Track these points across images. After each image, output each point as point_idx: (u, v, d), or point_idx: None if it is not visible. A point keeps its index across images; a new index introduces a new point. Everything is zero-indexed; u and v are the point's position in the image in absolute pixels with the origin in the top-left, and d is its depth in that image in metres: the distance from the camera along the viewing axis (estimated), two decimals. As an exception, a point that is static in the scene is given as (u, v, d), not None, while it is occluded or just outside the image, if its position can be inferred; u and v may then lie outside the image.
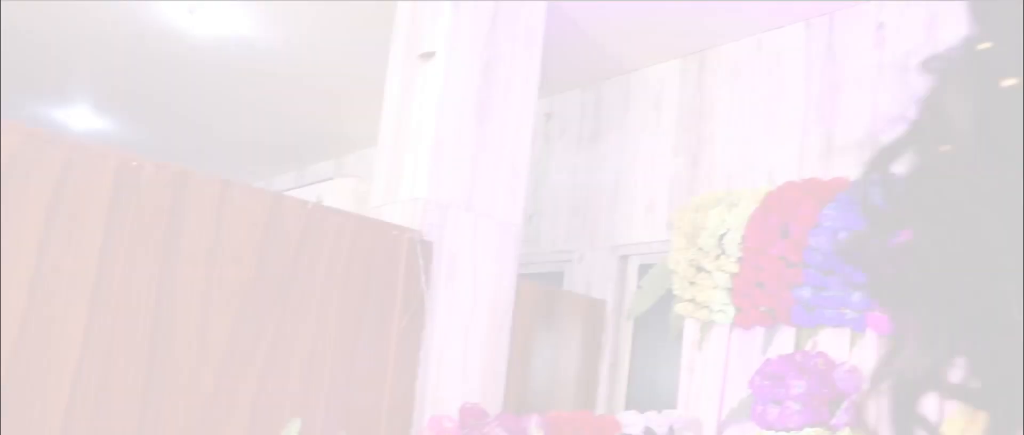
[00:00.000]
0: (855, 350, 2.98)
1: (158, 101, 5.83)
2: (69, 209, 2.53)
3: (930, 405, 0.59)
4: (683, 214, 3.67)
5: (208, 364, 2.78)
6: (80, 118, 6.33)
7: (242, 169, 7.31)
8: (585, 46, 4.23)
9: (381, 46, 3.92)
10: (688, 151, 4.11)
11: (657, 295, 3.92)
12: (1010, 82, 0.52)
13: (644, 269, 4.20)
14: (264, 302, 2.92)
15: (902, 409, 0.57)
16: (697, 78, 4.16)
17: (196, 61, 5.01)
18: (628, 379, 4.26)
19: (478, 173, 3.54)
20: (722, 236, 3.44)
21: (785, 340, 3.19)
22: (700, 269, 3.54)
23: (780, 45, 3.81)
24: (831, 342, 3.02)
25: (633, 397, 4.22)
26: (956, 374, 0.59)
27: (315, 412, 3.02)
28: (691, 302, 3.60)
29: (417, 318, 3.28)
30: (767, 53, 3.86)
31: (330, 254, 3.08)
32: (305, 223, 3.03)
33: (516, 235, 3.65)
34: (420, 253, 3.27)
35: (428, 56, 3.49)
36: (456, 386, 3.40)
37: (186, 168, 2.79)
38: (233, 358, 2.83)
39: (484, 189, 3.55)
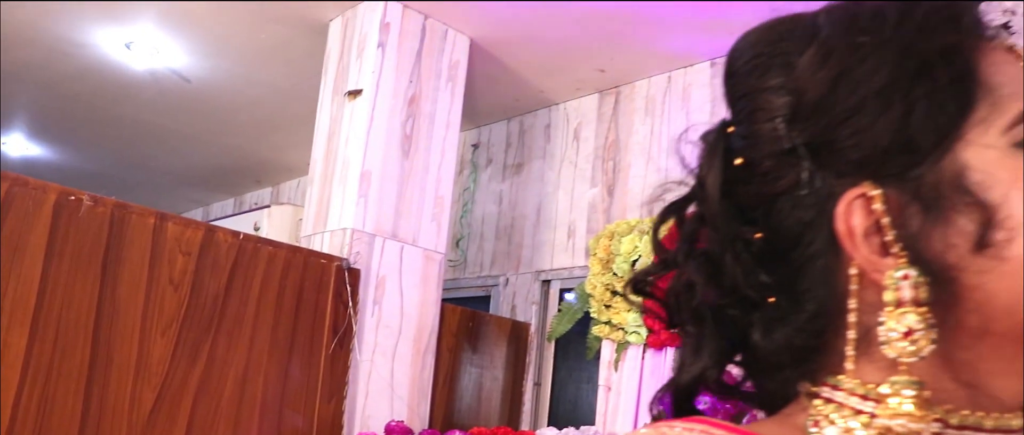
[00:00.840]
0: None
1: (97, 130, 5.94)
2: (10, 240, 2.67)
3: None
4: (599, 241, 3.91)
5: (146, 386, 2.94)
6: (17, 146, 6.42)
7: (181, 195, 7.43)
8: (509, 81, 4.46)
9: (314, 79, 4.12)
10: (605, 181, 4.35)
11: (576, 318, 4.15)
12: (739, 161, 0.71)
13: (565, 293, 4.43)
14: (199, 327, 3.08)
15: (680, 406, 0.77)
16: (613, 112, 4.41)
17: (134, 93, 5.14)
18: (551, 397, 4.47)
19: (404, 204, 3.74)
20: (635, 262, 3.69)
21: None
22: (615, 293, 3.78)
23: (688, 81, 4.08)
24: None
25: (556, 414, 4.43)
26: (730, 377, 0.79)
27: (248, 432, 3.18)
28: (607, 324, 3.83)
29: (346, 342, 3.46)
30: (676, 89, 4.12)
31: (262, 282, 3.25)
32: (238, 252, 3.19)
33: (440, 262, 3.85)
34: (348, 280, 3.45)
35: (355, 94, 3.69)
36: (384, 406, 3.58)
37: (123, 202, 2.94)
38: (170, 381, 2.99)
39: (410, 219, 3.75)
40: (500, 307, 4.73)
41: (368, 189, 3.64)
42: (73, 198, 2.82)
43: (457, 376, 4.15)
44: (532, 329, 4.52)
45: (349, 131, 3.72)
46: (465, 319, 4.19)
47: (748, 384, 0.76)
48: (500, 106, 4.82)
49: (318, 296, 3.41)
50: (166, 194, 7.36)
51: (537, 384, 4.49)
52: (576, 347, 4.26)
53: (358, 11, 3.84)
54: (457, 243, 4.99)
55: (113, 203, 2.91)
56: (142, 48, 4.54)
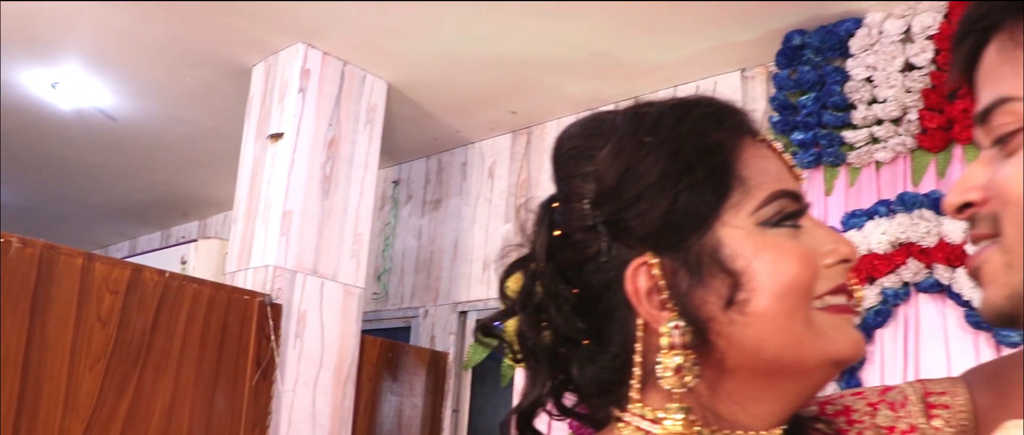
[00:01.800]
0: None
1: (25, 166, 5.99)
2: (-57, 283, 2.80)
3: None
4: (510, 277, 4.11)
5: (74, 419, 3.07)
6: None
7: (108, 229, 7.47)
8: (426, 121, 4.68)
9: (238, 120, 4.28)
10: (518, 217, 4.56)
11: (490, 347, 4.35)
12: (557, 233, 0.88)
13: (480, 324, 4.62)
14: (126, 362, 3.22)
15: (522, 428, 0.92)
16: (525, 151, 4.65)
17: (60, 131, 5.23)
18: (469, 423, 4.66)
19: (324, 241, 3.92)
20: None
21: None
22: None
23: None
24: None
25: (474, 439, 4.63)
26: (567, 401, 0.98)
27: (174, 462, 3.33)
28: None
29: (268, 374, 3.62)
30: (583, 130, 4.37)
31: (187, 317, 3.41)
32: (164, 290, 3.35)
33: (359, 296, 4.03)
34: (270, 315, 3.62)
35: (277, 137, 3.87)
36: (307, 434, 3.74)
37: (52, 243, 3.08)
38: (98, 414, 3.13)
39: (330, 255, 3.93)
40: (420, 337, 4.91)
41: (290, 227, 3.81)
42: (2, 240, 2.95)
43: (378, 404, 4.33)
44: (450, 358, 4.71)
45: (271, 172, 3.89)
46: (385, 350, 4.37)
47: (581, 408, 0.92)
48: (419, 145, 5.03)
49: (242, 330, 3.57)
50: (93, 228, 7.41)
51: (455, 411, 4.68)
52: (492, 375, 4.47)
53: (279, 57, 4.03)
54: (379, 276, 5.17)
55: (42, 244, 3.05)
56: (68, 88, 4.65)
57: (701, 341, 0.81)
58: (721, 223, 0.81)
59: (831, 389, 0.97)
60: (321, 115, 3.98)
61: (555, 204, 0.89)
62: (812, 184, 3.44)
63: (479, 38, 3.82)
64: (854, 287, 0.85)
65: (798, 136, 3.42)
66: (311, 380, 3.78)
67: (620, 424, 0.84)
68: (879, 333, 3.17)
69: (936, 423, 0.93)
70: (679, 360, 0.80)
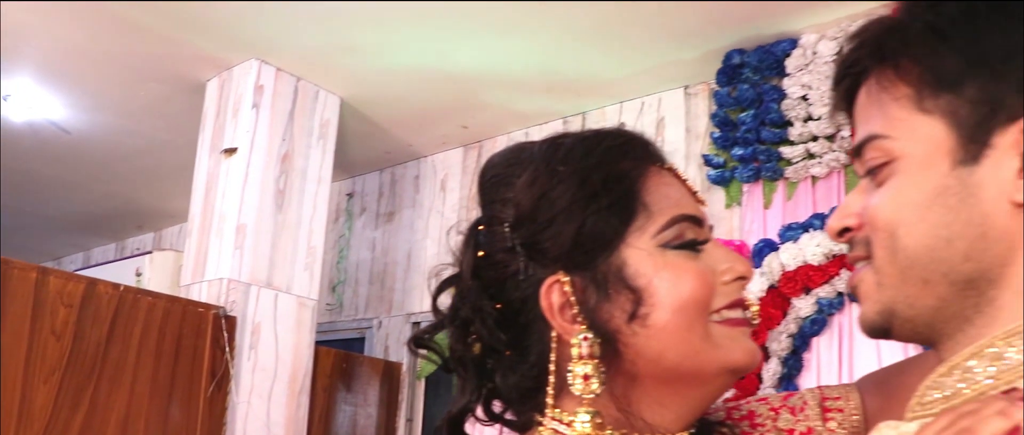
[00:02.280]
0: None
1: (-27, 180, 5.97)
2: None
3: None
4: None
5: (28, 432, 3.10)
6: None
7: (61, 241, 7.42)
8: (379, 135, 4.75)
9: (192, 133, 4.32)
10: (448, 238, 4.64)
11: (441, 358, 4.42)
12: (480, 253, 0.96)
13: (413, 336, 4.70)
14: (81, 375, 3.25)
15: (452, 431, 1.02)
16: (476, 165, 4.74)
17: (12, 143, 5.22)
18: (422, 433, 4.73)
19: (278, 254, 3.98)
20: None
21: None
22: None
23: (543, 137, 4.42)
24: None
25: (427, 448, 4.70)
26: (497, 408, 1.06)
27: (129, 473, 3.37)
28: (470, 362, 4.11)
29: (223, 385, 3.67)
30: (533, 144, 4.47)
31: (142, 330, 3.45)
32: (118, 303, 3.39)
33: (313, 308, 4.09)
34: (225, 327, 3.67)
35: (231, 152, 3.93)
36: (261, 444, 3.80)
37: (6, 258, 3.12)
38: (52, 426, 3.16)
39: (283, 268, 4.00)
40: (374, 348, 4.97)
41: (244, 241, 3.87)
42: (-42, 256, 2.98)
43: (332, 415, 4.39)
44: (404, 368, 4.78)
45: (225, 186, 3.95)
46: (339, 361, 4.43)
47: (509, 414, 1.01)
48: (372, 158, 5.10)
49: (196, 343, 3.62)
50: (46, 239, 7.37)
51: (409, 420, 4.74)
52: (445, 384, 4.54)
53: (233, 73, 4.09)
54: (333, 288, 5.23)
55: (-3, 259, 3.09)
56: (19, 101, 4.65)
57: (608, 351, 0.89)
58: (626, 245, 0.90)
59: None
60: (275, 130, 4.04)
61: (480, 227, 0.97)
62: (751, 197, 3.57)
63: (430, 55, 3.91)
64: (749, 302, 0.95)
65: (738, 151, 3.55)
66: (265, 391, 3.83)
67: (541, 428, 0.93)
68: (816, 341, 3.30)
69: (831, 425, 1.03)
70: (587, 369, 0.88)
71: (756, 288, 3.26)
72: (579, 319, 0.89)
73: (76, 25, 3.82)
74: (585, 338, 0.89)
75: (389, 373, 4.74)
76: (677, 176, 0.98)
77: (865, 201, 0.83)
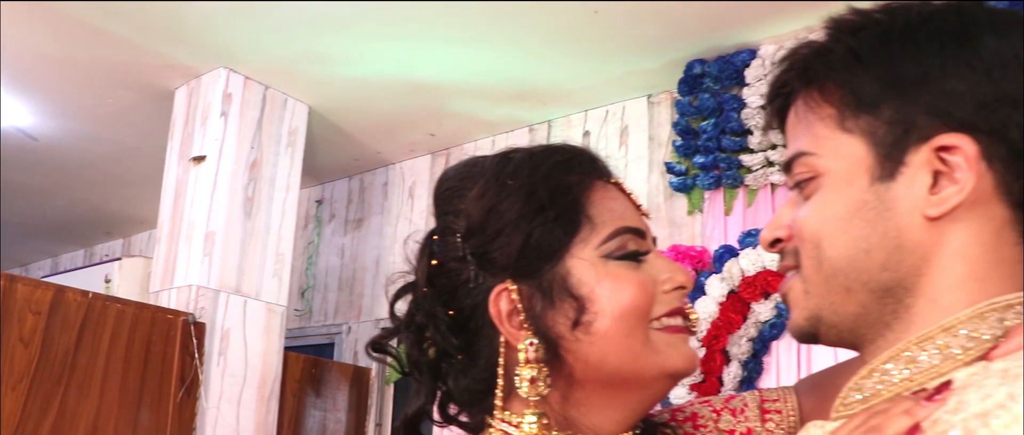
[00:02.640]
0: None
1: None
2: None
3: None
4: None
5: (-2, 439, 3.11)
6: None
7: (29, 247, 7.37)
8: (348, 143, 4.79)
9: (161, 140, 4.33)
10: (404, 248, 4.69)
11: (399, 362, 4.47)
12: (434, 262, 1.00)
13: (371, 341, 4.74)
14: (50, 382, 3.27)
15: (408, 432, 1.07)
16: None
17: (-23, 151, 5.22)
18: (391, 437, 4.77)
19: (247, 260, 4.01)
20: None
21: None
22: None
23: (510, 145, 4.43)
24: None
25: (396, 453, 4.72)
26: (452, 410, 1.11)
27: (98, 479, 3.39)
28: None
29: (193, 391, 3.70)
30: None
31: (111, 337, 3.47)
32: (87, 310, 3.41)
33: (282, 314, 4.13)
34: (194, 333, 3.70)
35: (200, 159, 3.96)
36: (230, 450, 3.83)
37: (-24, 266, 3.13)
38: (21, 433, 3.17)
39: (252, 274, 4.02)
40: (343, 354, 5.00)
41: (213, 248, 3.90)
42: (-74, 264, 3.00)
43: (302, 420, 4.42)
44: (373, 374, 4.81)
45: (194, 193, 3.98)
46: (308, 366, 4.46)
47: (463, 416, 1.05)
48: (341, 165, 5.14)
49: (165, 349, 3.64)
50: (14, 245, 7.33)
51: (379, 425, 4.78)
52: (415, 390, 4.56)
53: (202, 81, 4.11)
54: (302, 293, 5.25)
55: (-35, 267, 3.10)
56: (-14, 108, 4.65)
57: (553, 356, 0.94)
58: (570, 255, 0.95)
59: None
60: (243, 138, 4.07)
61: (435, 237, 1.02)
62: (713, 204, 3.64)
63: (398, 64, 3.95)
64: (689, 310, 1.00)
65: (699, 159, 3.62)
66: (235, 397, 3.86)
67: (491, 429, 0.98)
68: (775, 345, 3.37)
69: (769, 426, 1.09)
70: (533, 373, 0.93)
71: (716, 293, 3.33)
72: (526, 325, 0.94)
73: (44, 32, 3.83)
74: (531, 343, 0.93)
75: (358, 378, 4.78)
76: (622, 190, 1.03)
77: (794, 214, 0.89)
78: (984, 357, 0.77)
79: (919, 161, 0.80)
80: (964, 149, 0.78)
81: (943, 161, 0.79)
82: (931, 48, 0.82)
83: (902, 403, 0.76)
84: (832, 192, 0.84)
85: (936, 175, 0.80)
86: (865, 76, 0.83)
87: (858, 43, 0.85)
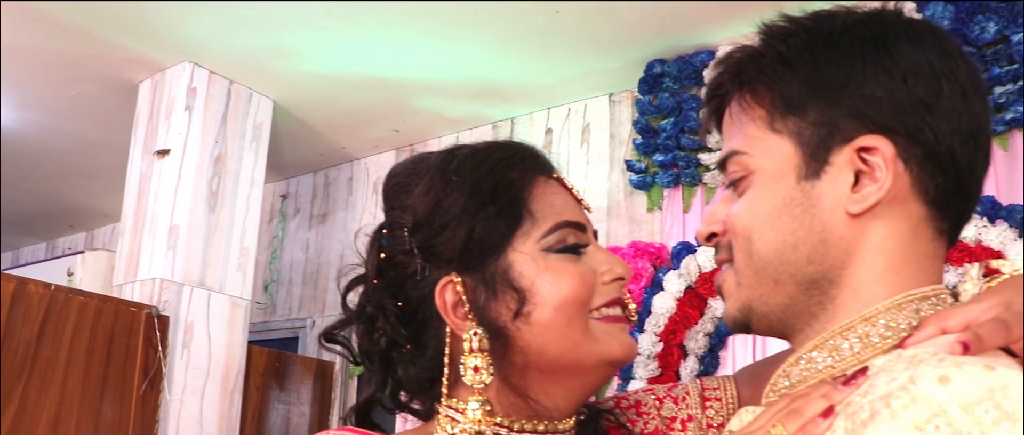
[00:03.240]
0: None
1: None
2: None
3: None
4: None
5: (-41, 431, 3.12)
6: None
7: (-12, 240, 7.33)
8: (312, 138, 4.81)
9: (125, 134, 4.32)
10: (355, 242, 4.72)
11: (350, 352, 4.50)
12: (383, 255, 1.04)
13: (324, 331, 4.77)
14: (11, 374, 3.26)
15: (359, 419, 1.09)
16: (408, 167, 4.81)
17: (-61, 142, 5.18)
18: (354, 430, 4.79)
19: (211, 254, 4.03)
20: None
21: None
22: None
23: (473, 141, 4.52)
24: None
25: (359, 446, 4.75)
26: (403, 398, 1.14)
27: (60, 471, 3.39)
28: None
29: (155, 384, 3.71)
30: (464, 148, 4.57)
31: (74, 330, 3.47)
32: (49, 302, 3.41)
33: (246, 307, 4.14)
34: (157, 326, 3.71)
35: (164, 153, 3.97)
36: (193, 442, 3.84)
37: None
38: (-18, 424, 3.18)
39: (216, 268, 4.04)
40: (308, 348, 5.02)
41: (176, 241, 3.91)
42: None
43: (265, 413, 4.43)
44: (337, 367, 4.84)
45: (158, 187, 3.99)
46: (272, 359, 4.48)
47: (414, 403, 1.09)
48: (306, 160, 5.15)
49: (129, 342, 3.65)
50: (-28, 240, 7.28)
51: (343, 418, 4.80)
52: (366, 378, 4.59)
53: (166, 75, 4.12)
54: (266, 288, 5.26)
55: (-73, 259, 3.10)
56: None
57: (497, 346, 0.98)
58: (512, 249, 0.99)
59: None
60: (207, 132, 4.09)
61: (383, 231, 1.06)
62: (672, 202, 3.70)
63: (362, 60, 3.98)
64: (628, 301, 1.05)
65: (659, 157, 3.68)
66: (198, 389, 3.88)
67: (440, 416, 1.02)
68: (731, 339, 3.44)
69: (709, 413, 1.14)
70: (478, 362, 0.97)
71: (674, 289, 3.39)
72: (470, 316, 0.98)
73: (7, 24, 3.81)
74: (475, 333, 0.98)
75: (322, 372, 4.80)
76: (563, 185, 1.06)
77: (728, 210, 0.94)
78: (900, 345, 0.82)
79: (842, 161, 0.86)
80: (882, 150, 0.84)
81: (864, 161, 0.85)
82: (853, 55, 0.87)
83: (821, 387, 0.82)
84: (762, 189, 0.89)
85: (858, 174, 0.85)
86: (793, 80, 0.88)
87: (787, 49, 0.90)
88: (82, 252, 5.44)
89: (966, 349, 0.76)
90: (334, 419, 4.77)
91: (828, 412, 0.79)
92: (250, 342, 4.24)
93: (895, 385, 0.73)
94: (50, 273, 5.15)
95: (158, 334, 3.71)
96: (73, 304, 3.49)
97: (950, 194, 0.87)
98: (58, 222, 6.80)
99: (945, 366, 0.72)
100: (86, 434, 3.48)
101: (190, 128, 4.02)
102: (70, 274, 5.27)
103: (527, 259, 0.98)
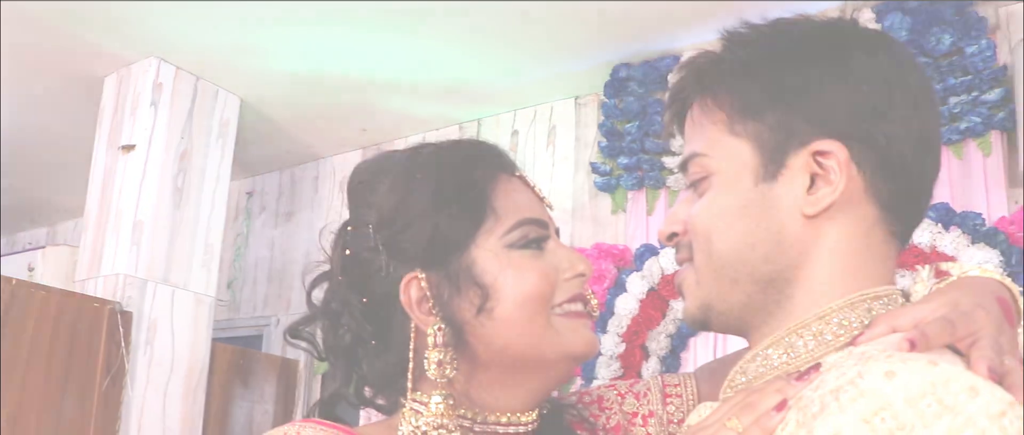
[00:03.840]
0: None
1: None
2: None
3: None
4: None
5: (-83, 425, 3.09)
6: None
7: (-54, 235, 7.24)
8: (279, 135, 4.80)
9: (88, 128, 4.28)
10: (320, 239, 4.72)
11: (315, 348, 4.50)
12: (348, 252, 1.06)
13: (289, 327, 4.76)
14: (-30, 369, 3.25)
15: (324, 413, 1.10)
16: (375, 166, 4.81)
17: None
18: (317, 428, 4.78)
19: (175, 251, 4.01)
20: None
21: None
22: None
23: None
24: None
25: (322, 444, 4.74)
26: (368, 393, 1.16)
27: (20, 467, 3.37)
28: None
29: (118, 380, 3.69)
30: (430, 148, 4.58)
31: (35, 325, 3.44)
32: (10, 298, 3.39)
33: (210, 304, 4.13)
34: (120, 322, 3.69)
35: (129, 148, 3.95)
36: (156, 439, 3.83)
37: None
38: (-59, 419, 3.15)
39: (181, 265, 4.03)
40: (272, 346, 5.00)
41: (141, 237, 3.89)
42: None
43: (229, 410, 4.42)
44: (301, 366, 4.83)
45: (123, 182, 3.97)
46: (236, 357, 4.47)
47: (379, 398, 1.11)
48: (272, 158, 5.14)
49: (91, 338, 3.63)
50: (-69, 234, 7.17)
51: (306, 415, 4.79)
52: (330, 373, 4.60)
53: (132, 70, 4.09)
54: (229, 285, 5.25)
55: None
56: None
57: (460, 341, 1.01)
58: (475, 246, 1.01)
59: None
60: (173, 128, 4.07)
61: (349, 228, 1.08)
62: (635, 205, 3.74)
63: (329, 58, 3.99)
64: (589, 296, 1.07)
65: (624, 160, 3.72)
66: (161, 386, 3.86)
67: (404, 410, 1.04)
68: (693, 341, 3.48)
69: (670, 409, 1.17)
70: (441, 356, 1.00)
71: (637, 290, 3.43)
72: (434, 312, 1.00)
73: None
74: (439, 329, 1.00)
75: (286, 370, 4.80)
76: (526, 183, 1.09)
77: (689, 210, 0.97)
78: (852, 343, 0.86)
79: (798, 164, 0.89)
80: (836, 154, 0.88)
81: (819, 164, 0.88)
82: (811, 62, 0.91)
83: (775, 383, 0.85)
84: (722, 191, 0.93)
85: (813, 177, 0.89)
86: (753, 85, 0.92)
87: (748, 55, 0.93)
88: (43, 247, 5.39)
89: (913, 346, 0.79)
90: (297, 417, 4.77)
91: (781, 405, 0.82)
92: (214, 339, 4.22)
93: (844, 380, 0.77)
94: (10, 268, 5.10)
95: (121, 330, 3.69)
96: (34, 299, 3.47)
97: (902, 197, 0.91)
98: (19, 216, 6.72)
99: (892, 362, 0.75)
100: (47, 431, 3.46)
101: (156, 124, 4.01)
102: (31, 269, 5.22)
103: (490, 255, 1.01)
